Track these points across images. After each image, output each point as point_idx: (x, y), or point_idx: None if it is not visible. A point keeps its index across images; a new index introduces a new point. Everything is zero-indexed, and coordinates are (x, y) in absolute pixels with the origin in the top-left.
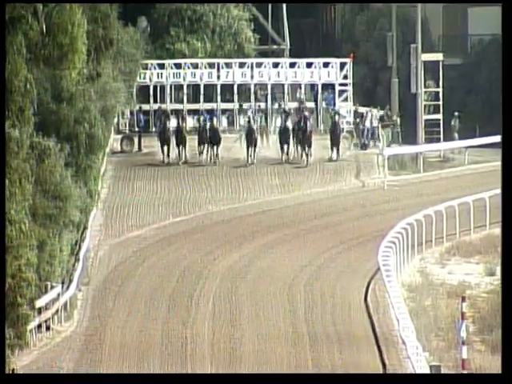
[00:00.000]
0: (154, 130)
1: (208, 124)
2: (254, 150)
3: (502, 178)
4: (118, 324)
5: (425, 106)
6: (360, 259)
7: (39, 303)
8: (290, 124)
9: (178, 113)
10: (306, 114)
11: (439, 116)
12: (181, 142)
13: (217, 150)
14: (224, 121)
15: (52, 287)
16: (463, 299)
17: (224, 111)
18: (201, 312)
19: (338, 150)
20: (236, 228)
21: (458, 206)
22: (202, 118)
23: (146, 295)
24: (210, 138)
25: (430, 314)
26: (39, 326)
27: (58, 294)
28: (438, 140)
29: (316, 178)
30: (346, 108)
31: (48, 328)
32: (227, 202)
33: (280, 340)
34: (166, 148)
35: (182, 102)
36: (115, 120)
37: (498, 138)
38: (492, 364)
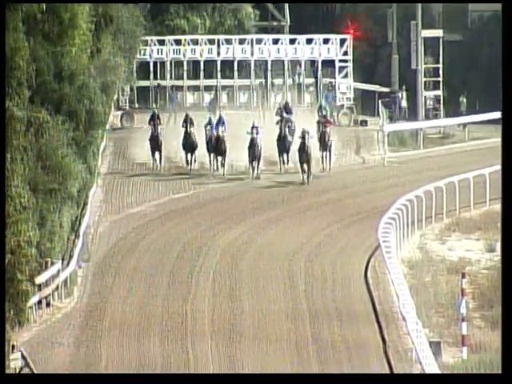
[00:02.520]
0: (154, 106)
1: (214, 132)
2: (258, 164)
3: (502, 153)
4: (118, 300)
5: (425, 82)
6: (360, 236)
7: (39, 279)
8: (289, 133)
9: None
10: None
11: (439, 92)
12: (190, 148)
13: (223, 160)
14: (224, 97)
15: (52, 263)
16: (463, 275)
17: (224, 87)
18: (201, 288)
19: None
20: (236, 204)
21: (458, 183)
22: (208, 127)
23: (146, 271)
24: (215, 148)
25: (429, 291)
26: (39, 302)
27: (58, 271)
28: (438, 116)
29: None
30: (346, 84)
31: (48, 304)
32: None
33: (280, 316)
34: (157, 154)
35: (182, 78)
36: (115, 96)
37: (498, 115)
38: (492, 339)
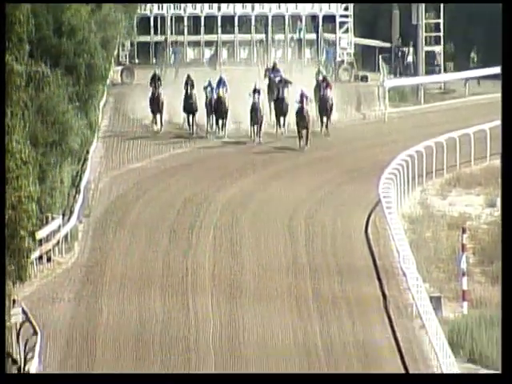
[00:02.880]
0: (153, 61)
1: (215, 94)
2: (260, 129)
3: (502, 108)
4: (119, 255)
5: (425, 37)
6: (361, 191)
7: (40, 234)
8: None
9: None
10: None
11: (440, 47)
12: (191, 110)
13: (224, 122)
14: (224, 52)
15: (53, 219)
16: (464, 230)
17: (224, 43)
18: (201, 243)
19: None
20: (237, 160)
21: (459, 138)
22: (208, 89)
23: (147, 227)
24: (216, 110)
25: (430, 246)
26: (40, 257)
27: (59, 226)
28: (439, 71)
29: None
30: (346, 39)
31: (49, 259)
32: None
33: (281, 271)
34: (158, 116)
35: (182, 33)
36: (115, 52)
37: (498, 70)
38: (492, 295)
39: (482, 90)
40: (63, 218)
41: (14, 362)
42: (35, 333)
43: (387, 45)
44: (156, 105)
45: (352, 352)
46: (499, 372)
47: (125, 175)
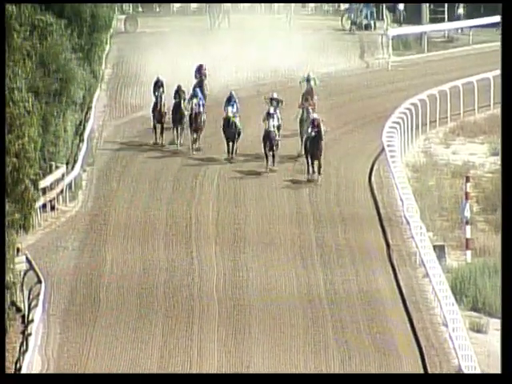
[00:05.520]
0: (157, 10)
1: (201, 108)
2: (273, 156)
3: (502, 56)
4: (123, 204)
5: None
6: (364, 140)
7: (44, 183)
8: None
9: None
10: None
11: None
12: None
13: (233, 146)
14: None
15: (57, 167)
16: (467, 179)
17: None
18: (205, 192)
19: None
20: (242, 107)
21: (463, 86)
22: (194, 101)
23: (151, 176)
24: (227, 134)
25: (434, 194)
26: (44, 205)
27: (63, 174)
28: (442, 20)
29: (320, 58)
30: None
31: (53, 208)
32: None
33: (284, 220)
34: (159, 127)
35: None
36: None
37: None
38: (495, 243)
39: (485, 38)
40: (67, 167)
41: (18, 310)
42: (39, 281)
43: None
44: (159, 115)
45: (355, 301)
46: (499, 372)
47: (129, 124)
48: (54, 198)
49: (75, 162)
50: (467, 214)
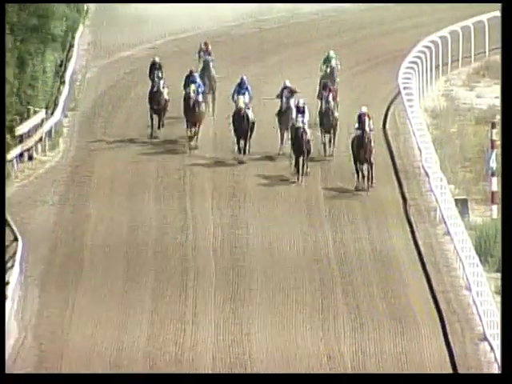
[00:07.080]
0: None
1: (200, 97)
2: (305, 162)
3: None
4: (108, 154)
5: None
6: (378, 82)
7: (20, 130)
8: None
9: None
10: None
11: None
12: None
13: (246, 145)
14: None
15: (35, 112)
16: (493, 125)
17: None
18: (200, 140)
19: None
20: (242, 46)
21: (488, 21)
22: (192, 87)
23: (140, 122)
24: (236, 128)
25: (455, 143)
26: (21, 155)
27: (42, 120)
28: None
29: None
30: None
31: (30, 157)
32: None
33: (288, 173)
34: (157, 118)
35: None
36: None
37: None
38: None
39: None
40: (46, 112)
41: None
42: (15, 239)
43: None
44: (156, 103)
45: (368, 262)
46: (499, 372)
47: (115, 64)
48: (32, 147)
49: (55, 106)
50: (493, 164)
